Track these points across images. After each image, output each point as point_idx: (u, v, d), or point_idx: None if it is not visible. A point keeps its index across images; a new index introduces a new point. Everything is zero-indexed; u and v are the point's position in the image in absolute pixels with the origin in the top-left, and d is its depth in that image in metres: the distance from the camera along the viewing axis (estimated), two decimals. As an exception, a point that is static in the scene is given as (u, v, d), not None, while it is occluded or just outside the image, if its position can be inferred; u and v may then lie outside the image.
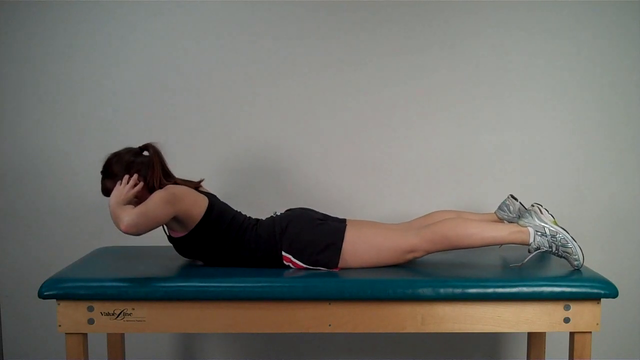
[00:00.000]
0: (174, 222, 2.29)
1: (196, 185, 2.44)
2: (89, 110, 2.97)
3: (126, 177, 2.27)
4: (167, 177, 2.38)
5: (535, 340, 2.69)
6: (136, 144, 2.94)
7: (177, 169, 2.94)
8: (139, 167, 2.32)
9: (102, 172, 2.35)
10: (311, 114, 2.97)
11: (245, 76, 2.96)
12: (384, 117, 2.97)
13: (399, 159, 2.98)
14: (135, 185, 2.27)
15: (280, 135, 2.98)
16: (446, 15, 2.93)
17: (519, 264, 2.32)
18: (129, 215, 2.14)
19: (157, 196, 2.20)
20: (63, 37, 2.94)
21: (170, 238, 2.39)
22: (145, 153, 2.39)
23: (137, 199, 2.27)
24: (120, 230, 2.15)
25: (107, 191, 2.32)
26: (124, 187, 2.24)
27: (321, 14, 2.93)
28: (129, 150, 2.37)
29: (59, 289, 2.14)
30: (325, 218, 2.43)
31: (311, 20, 2.94)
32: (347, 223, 2.41)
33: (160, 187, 2.30)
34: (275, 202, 2.88)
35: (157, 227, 2.22)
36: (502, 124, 2.97)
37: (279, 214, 2.45)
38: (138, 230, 2.15)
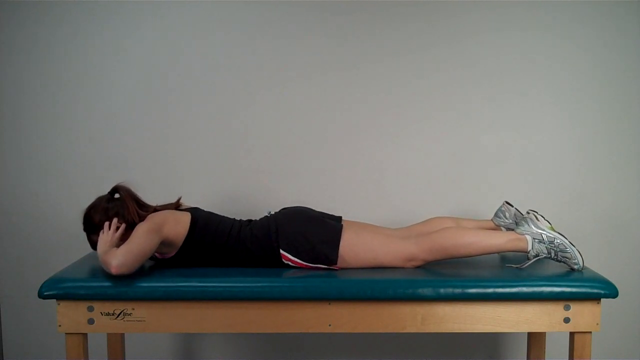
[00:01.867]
0: (161, 245, 2.29)
1: (176, 205, 2.46)
2: (88, 111, 2.97)
3: (106, 224, 2.28)
4: (144, 209, 2.38)
5: (535, 340, 2.69)
6: (135, 144, 2.96)
7: (176, 170, 2.95)
8: (115, 211, 2.32)
9: (85, 229, 2.36)
10: (309, 116, 2.97)
11: (244, 77, 2.96)
12: (381, 119, 2.97)
13: (397, 161, 2.98)
14: (118, 228, 2.28)
15: (278, 137, 2.97)
16: (445, 15, 2.92)
17: (517, 266, 2.32)
18: (116, 257, 2.14)
19: (140, 230, 2.21)
20: (61, 37, 2.94)
21: (160, 261, 2.39)
22: (117, 195, 2.40)
23: (123, 241, 2.26)
24: (112, 274, 2.14)
25: (96, 245, 2.31)
26: (107, 235, 2.24)
27: (319, 15, 2.93)
28: (100, 199, 2.38)
29: (59, 289, 2.15)
30: (321, 216, 2.43)
31: (309, 21, 2.94)
32: (343, 222, 2.42)
33: (141, 220, 2.30)
34: (273, 203, 2.86)
35: (147, 257, 2.21)
36: (501, 126, 2.96)
37: (273, 213, 2.45)
38: (129, 269, 2.14)
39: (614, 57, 2.93)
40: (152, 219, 2.27)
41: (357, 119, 2.97)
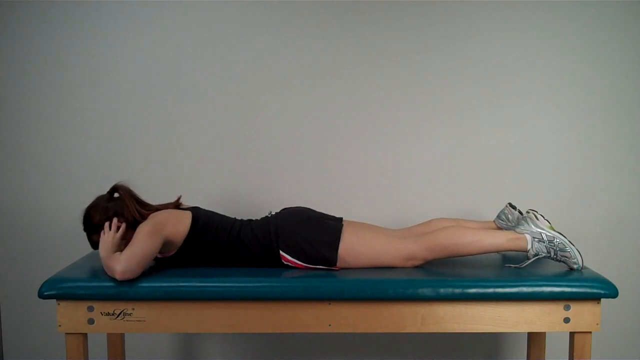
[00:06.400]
0: (162, 245, 2.29)
1: (175, 205, 2.45)
2: (88, 111, 2.97)
3: (107, 224, 2.27)
4: (145, 208, 2.38)
5: (535, 340, 2.69)
6: (136, 144, 2.96)
7: (177, 170, 2.95)
8: (115, 210, 2.32)
9: (85, 229, 2.36)
10: (309, 116, 2.97)
11: (245, 78, 2.96)
12: (382, 120, 2.97)
13: (398, 161, 2.98)
14: (118, 228, 2.27)
15: (278, 138, 2.98)
16: (445, 15, 2.92)
17: (517, 265, 2.32)
18: (119, 263, 2.14)
19: (141, 232, 2.21)
20: (62, 37, 2.94)
21: (160, 260, 2.38)
22: (116, 194, 2.39)
23: (126, 240, 2.27)
24: (117, 279, 2.14)
25: (96, 244, 2.32)
26: (109, 235, 2.24)
27: (319, 15, 2.93)
28: (100, 198, 2.38)
29: (59, 289, 2.15)
30: (322, 217, 2.43)
31: (309, 22, 2.93)
32: (344, 222, 2.42)
33: (142, 218, 2.30)
34: (274, 204, 2.87)
35: (151, 260, 2.22)
36: (502, 126, 2.96)
37: (273, 213, 2.45)
38: (133, 274, 2.15)
39: (614, 57, 2.93)
40: (153, 220, 2.27)
41: (359, 119, 2.97)
